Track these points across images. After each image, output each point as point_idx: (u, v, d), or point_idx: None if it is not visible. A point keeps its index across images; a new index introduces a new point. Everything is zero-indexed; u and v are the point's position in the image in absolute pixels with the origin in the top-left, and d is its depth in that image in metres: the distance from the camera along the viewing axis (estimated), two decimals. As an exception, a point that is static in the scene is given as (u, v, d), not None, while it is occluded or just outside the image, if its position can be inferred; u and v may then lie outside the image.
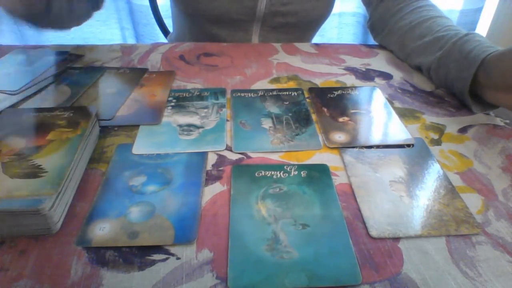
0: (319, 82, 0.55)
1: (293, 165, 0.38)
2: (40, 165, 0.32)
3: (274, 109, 0.48)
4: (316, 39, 0.86)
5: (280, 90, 0.52)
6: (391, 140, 0.42)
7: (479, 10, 1.23)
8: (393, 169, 0.38)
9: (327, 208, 0.33)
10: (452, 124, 0.46)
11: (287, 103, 0.49)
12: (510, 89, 0.42)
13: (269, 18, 0.69)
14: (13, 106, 0.46)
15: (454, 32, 0.53)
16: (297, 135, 0.43)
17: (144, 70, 0.56)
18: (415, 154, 0.41)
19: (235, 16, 0.68)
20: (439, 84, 0.54)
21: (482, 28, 1.27)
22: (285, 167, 0.38)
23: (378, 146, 0.41)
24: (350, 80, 0.56)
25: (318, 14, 0.73)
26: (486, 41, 0.49)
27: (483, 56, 0.45)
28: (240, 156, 0.40)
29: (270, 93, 0.51)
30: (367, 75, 0.57)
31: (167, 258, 0.29)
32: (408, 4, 0.64)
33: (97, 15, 0.60)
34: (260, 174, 0.37)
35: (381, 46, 0.68)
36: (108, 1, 1.17)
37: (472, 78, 0.46)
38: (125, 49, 0.63)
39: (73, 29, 0.58)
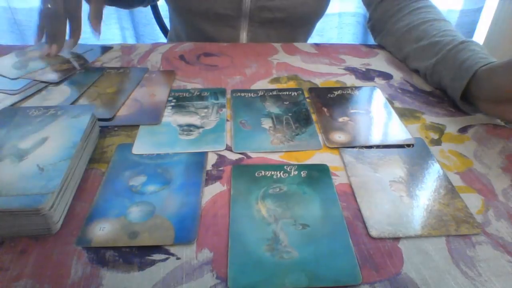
0: (319, 82, 0.55)
1: (293, 165, 0.38)
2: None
3: (274, 109, 0.48)
4: (316, 39, 0.86)
5: (280, 90, 0.52)
6: (391, 140, 0.42)
7: (479, 10, 1.23)
8: (393, 169, 0.38)
9: (327, 208, 0.33)
10: (452, 124, 0.46)
11: (287, 103, 0.49)
12: (500, 101, 0.43)
13: (256, 14, 0.69)
14: (13, 105, 0.46)
15: (450, 38, 0.53)
16: (297, 135, 0.43)
17: (144, 70, 0.56)
18: (415, 154, 0.41)
19: (221, 11, 0.68)
20: (436, 88, 0.54)
21: (482, 28, 1.26)
22: (285, 167, 0.38)
23: (378, 146, 0.41)
24: (350, 80, 0.56)
25: (308, 10, 0.72)
26: (481, 50, 0.48)
27: (476, 68, 0.45)
28: (240, 156, 0.40)
29: (270, 93, 0.51)
30: (367, 75, 0.57)
31: (167, 258, 0.29)
32: (407, 4, 0.64)
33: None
34: (260, 174, 0.37)
35: (381, 46, 0.68)
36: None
37: (464, 88, 0.46)
38: (125, 49, 0.63)
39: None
